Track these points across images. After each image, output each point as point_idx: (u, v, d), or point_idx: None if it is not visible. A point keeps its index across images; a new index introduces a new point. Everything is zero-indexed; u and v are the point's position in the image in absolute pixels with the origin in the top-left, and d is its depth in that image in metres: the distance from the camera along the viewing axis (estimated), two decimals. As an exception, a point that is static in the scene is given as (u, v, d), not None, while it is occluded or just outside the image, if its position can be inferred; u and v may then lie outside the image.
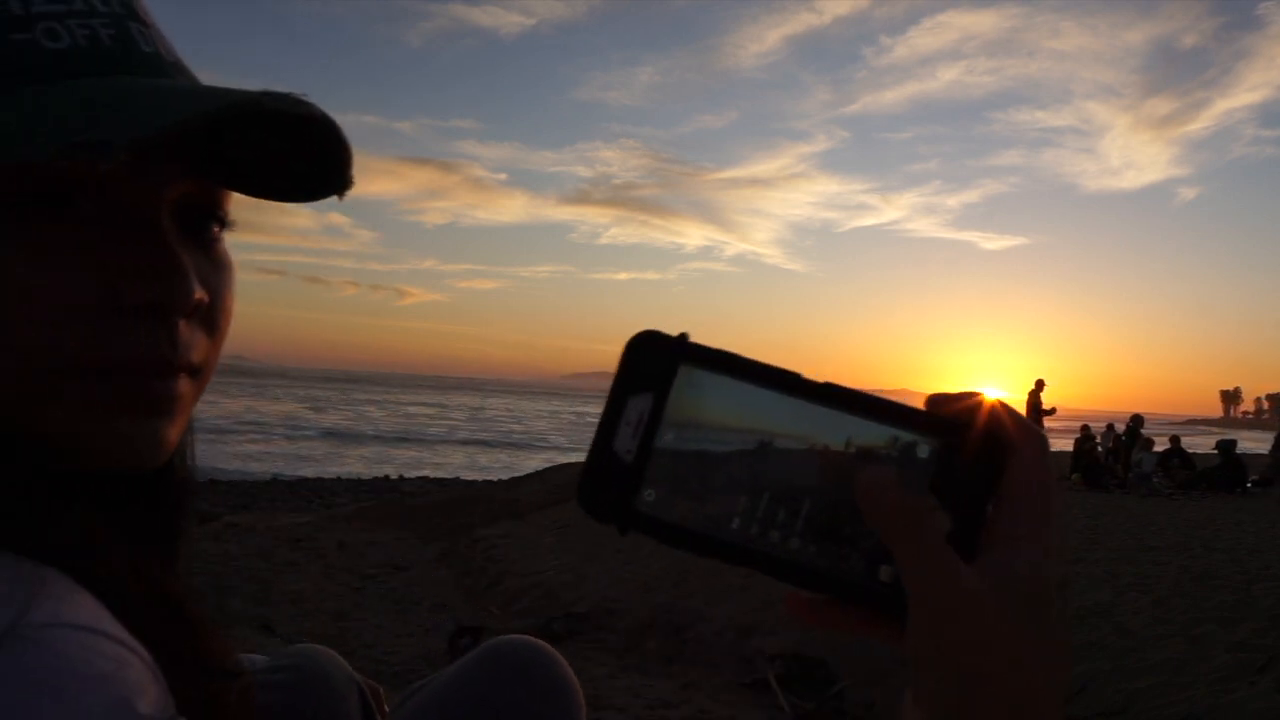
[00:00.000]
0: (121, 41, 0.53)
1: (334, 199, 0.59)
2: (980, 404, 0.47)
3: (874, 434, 0.47)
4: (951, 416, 0.47)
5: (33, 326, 0.48)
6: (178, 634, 0.50)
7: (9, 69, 0.50)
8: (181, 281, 0.51)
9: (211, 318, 0.56)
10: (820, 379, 0.48)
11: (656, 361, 0.47)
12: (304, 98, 0.52)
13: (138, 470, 0.53)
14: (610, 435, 0.47)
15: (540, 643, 0.96)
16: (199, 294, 0.52)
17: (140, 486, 0.58)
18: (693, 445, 0.47)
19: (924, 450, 0.47)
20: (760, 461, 0.47)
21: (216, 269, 0.57)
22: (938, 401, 0.48)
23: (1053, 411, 15.76)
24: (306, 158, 0.57)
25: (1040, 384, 15.86)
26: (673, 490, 0.47)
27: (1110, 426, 16.17)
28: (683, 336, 0.47)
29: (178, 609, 0.52)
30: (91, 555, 0.47)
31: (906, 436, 0.47)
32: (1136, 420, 15.08)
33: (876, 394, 0.48)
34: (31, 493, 0.47)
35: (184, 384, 0.54)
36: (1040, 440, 0.46)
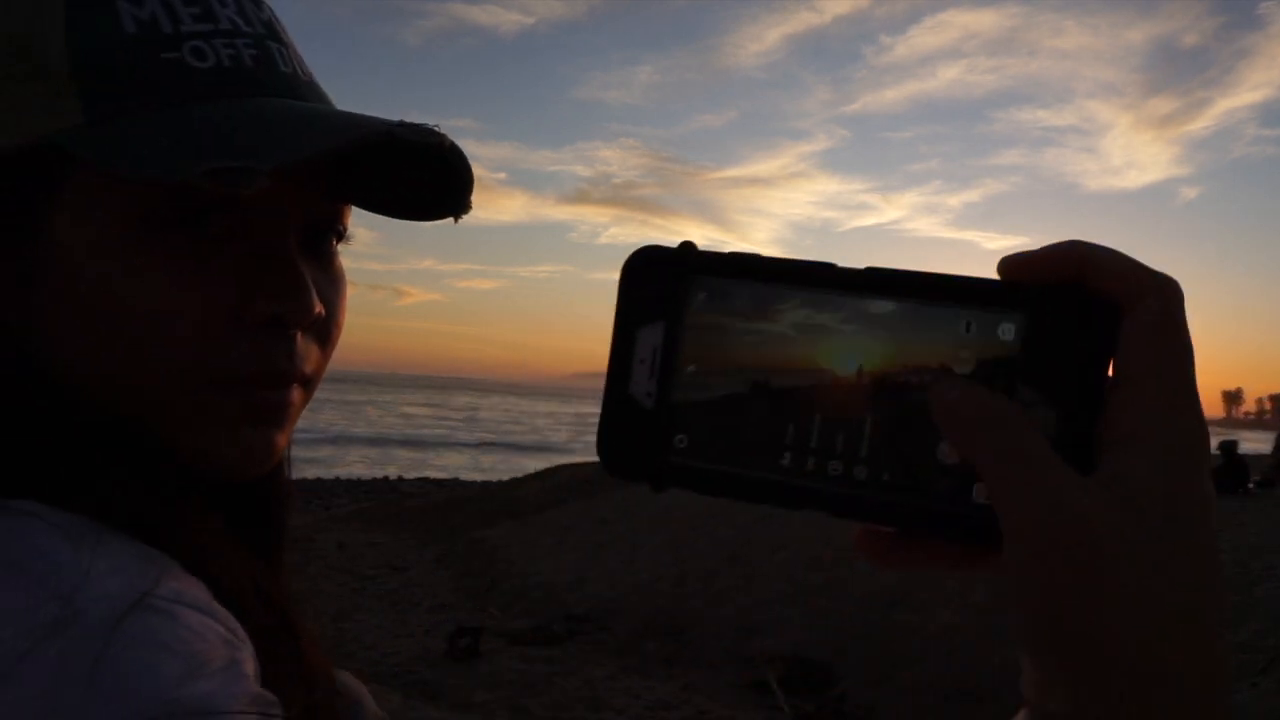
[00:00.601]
0: (263, 62, 0.55)
1: (449, 220, 0.62)
2: (1070, 255, 0.35)
3: (939, 323, 0.37)
4: (1037, 280, 0.36)
5: (165, 341, 0.51)
6: (283, 641, 0.51)
7: (157, 87, 0.51)
8: (304, 298, 0.53)
9: (326, 330, 0.58)
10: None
11: (663, 282, 0.40)
12: (436, 128, 0.54)
13: (251, 477, 0.56)
14: (625, 379, 0.40)
15: None
16: (318, 308, 0.55)
17: (246, 492, 0.60)
18: (723, 374, 0.39)
19: (1007, 331, 0.36)
20: (805, 378, 0.38)
21: (332, 282, 0.59)
22: (1015, 264, 0.36)
23: None
24: (431, 182, 0.59)
25: None
26: (708, 431, 0.39)
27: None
28: (687, 245, 0.40)
29: (284, 616, 0.53)
30: (207, 554, 0.49)
31: (981, 317, 0.37)
32: None
33: (931, 272, 0.38)
34: (158, 492, 0.50)
35: (296, 394, 0.56)
36: (1167, 287, 0.35)
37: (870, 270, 0.38)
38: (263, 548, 0.61)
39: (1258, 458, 15.56)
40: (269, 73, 0.55)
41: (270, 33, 0.57)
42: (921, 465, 0.37)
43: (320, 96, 0.60)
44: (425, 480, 22.91)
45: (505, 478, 20.03)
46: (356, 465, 28.34)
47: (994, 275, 0.37)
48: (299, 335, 0.55)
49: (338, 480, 21.80)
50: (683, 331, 0.40)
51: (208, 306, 0.52)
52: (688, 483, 0.40)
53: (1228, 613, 0.35)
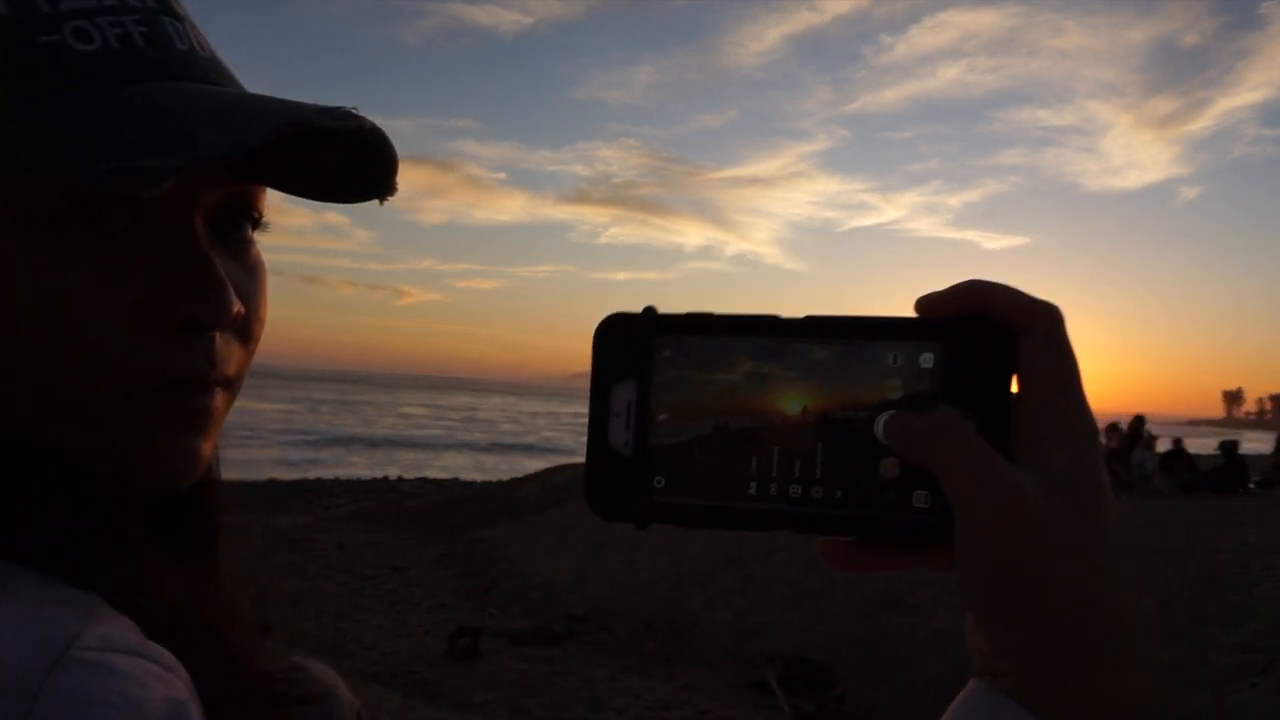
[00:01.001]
0: (156, 40, 0.50)
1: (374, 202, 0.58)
2: (971, 292, 0.42)
3: (871, 357, 0.44)
4: (946, 315, 0.43)
5: (69, 348, 0.47)
6: (216, 656, 0.49)
7: (37, 76, 0.47)
8: (220, 296, 0.50)
9: (247, 328, 0.54)
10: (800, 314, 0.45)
11: (630, 343, 0.45)
12: (354, 111, 0.50)
13: (177, 488, 0.52)
14: (604, 431, 0.45)
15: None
16: (236, 307, 0.51)
17: (173, 503, 0.56)
18: (690, 420, 0.45)
19: (928, 360, 0.43)
20: (762, 417, 0.44)
21: (250, 275, 0.55)
22: (929, 303, 0.43)
23: None
24: (351, 164, 0.55)
25: None
26: (681, 471, 0.45)
27: (1113, 426, 16.19)
28: (649, 310, 0.45)
29: (215, 630, 0.51)
30: (131, 579, 0.46)
31: (905, 350, 0.43)
32: (1139, 421, 15.13)
33: (882, 315, 0.44)
34: (72, 517, 0.46)
35: (219, 398, 0.53)
36: (1050, 313, 0.42)
37: (809, 319, 0.45)
38: (195, 554, 0.57)
39: (1258, 458, 15.56)
40: (164, 52, 0.50)
41: (162, 6, 0.52)
42: (868, 482, 0.43)
43: (225, 75, 0.55)
44: (425, 480, 22.91)
45: (505, 478, 20.04)
46: (356, 465, 28.34)
47: (953, 294, 0.43)
48: (218, 336, 0.51)
49: (338, 480, 21.80)
50: (652, 386, 0.45)
51: (116, 311, 0.47)
52: (668, 518, 0.45)
53: (1131, 580, 0.42)
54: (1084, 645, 0.39)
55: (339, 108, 0.50)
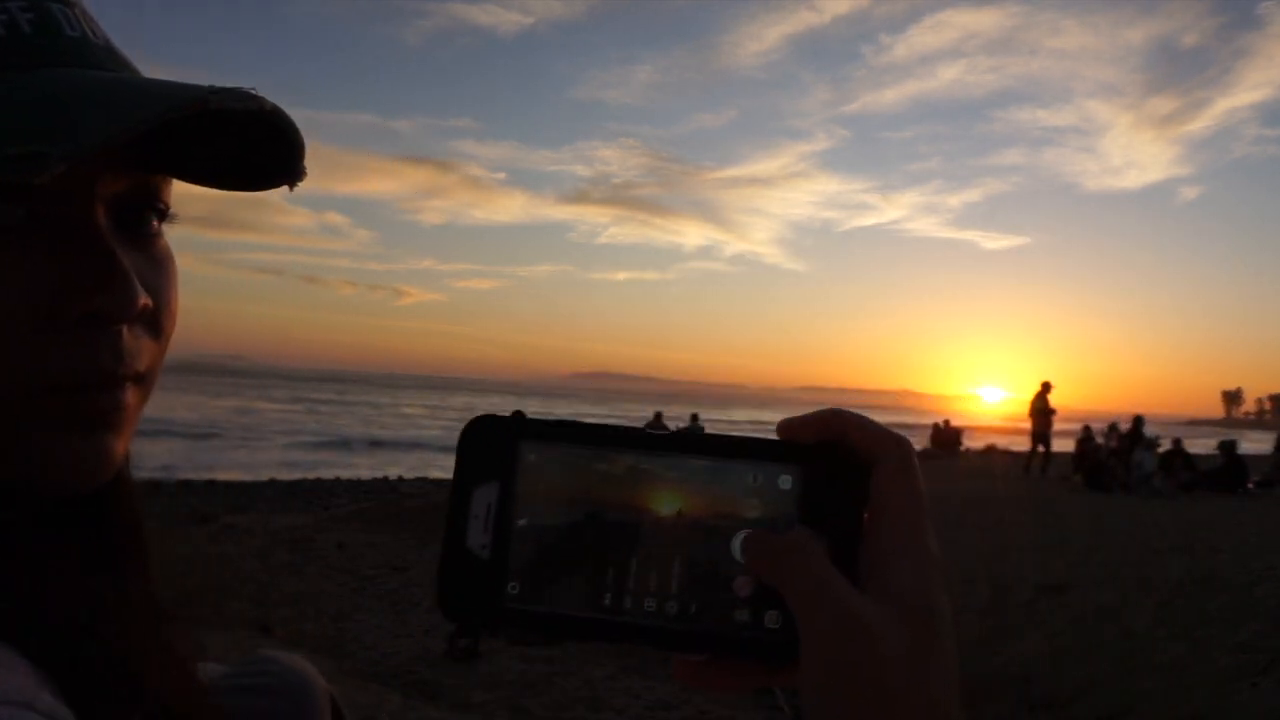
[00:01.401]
0: (43, 27, 0.48)
1: (285, 189, 0.56)
2: (831, 421, 0.45)
3: (731, 476, 0.45)
4: (806, 441, 0.45)
5: None
6: (115, 675, 0.47)
7: None
8: (123, 289, 0.48)
9: (156, 321, 0.53)
10: (679, 426, 0.47)
11: (496, 446, 0.45)
12: (252, 91, 0.48)
13: (87, 489, 0.50)
14: (461, 533, 0.45)
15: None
16: (143, 299, 0.49)
17: (85, 505, 0.54)
18: (550, 527, 0.45)
19: (786, 481, 0.45)
20: (622, 529, 0.44)
21: (158, 267, 0.53)
22: (789, 427, 0.45)
23: (1053, 413, 16.05)
24: (254, 149, 0.53)
25: (1047, 386, 16.12)
26: (537, 578, 0.44)
27: (1114, 426, 16.18)
28: (518, 414, 0.45)
29: (114, 646, 0.48)
30: (20, 600, 0.44)
31: (765, 471, 0.45)
32: (1138, 422, 15.14)
33: (732, 433, 0.46)
34: None
35: (130, 394, 0.51)
36: (902, 446, 0.44)
37: (675, 434, 0.45)
38: (108, 559, 0.55)
39: (1257, 458, 15.55)
40: (53, 39, 0.48)
41: None
42: (722, 599, 0.44)
43: (119, 62, 0.52)
44: (425, 480, 22.88)
45: (505, 478, 19.93)
46: (356, 465, 28.33)
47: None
48: (125, 330, 0.49)
49: (338, 480, 21.77)
50: (514, 489, 0.45)
51: (14, 311, 0.45)
52: (520, 625, 0.45)
53: (958, 691, 0.43)
54: None
55: (235, 88, 0.47)
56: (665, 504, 0.45)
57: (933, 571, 0.43)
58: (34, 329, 0.46)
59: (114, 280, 0.48)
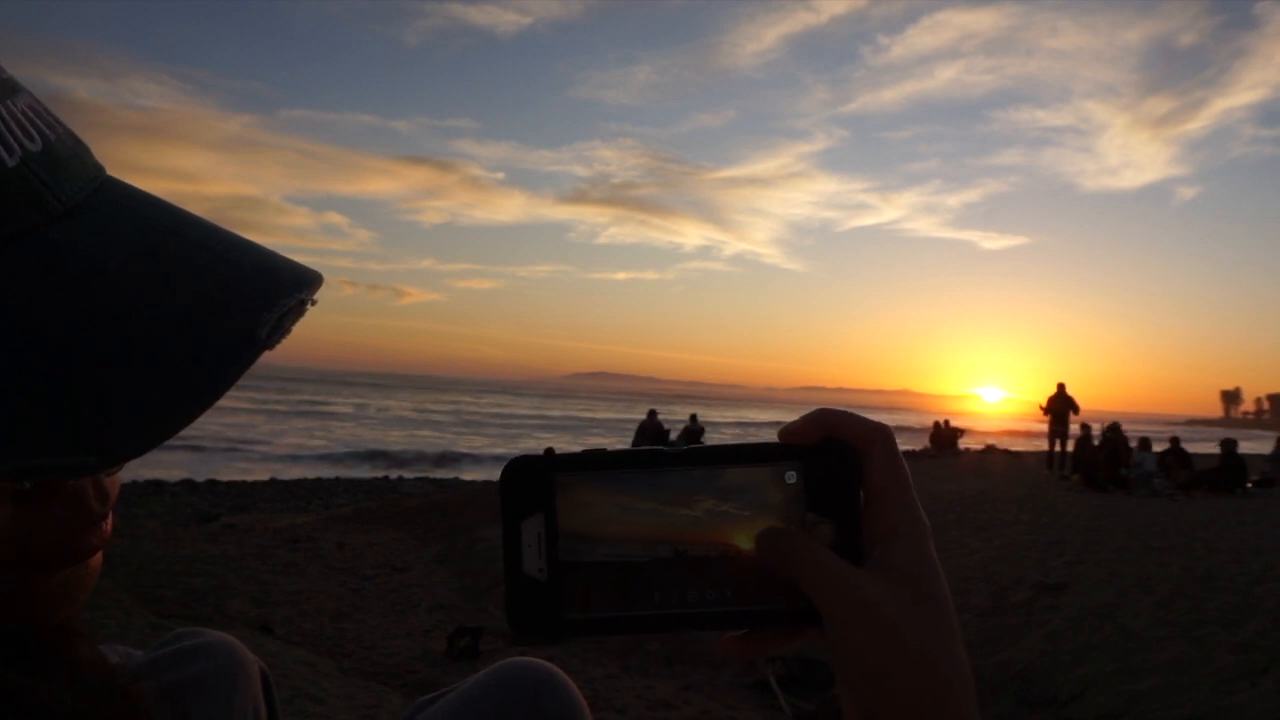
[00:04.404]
0: (13, 149, 0.39)
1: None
2: (823, 419, 0.52)
3: (745, 479, 0.51)
4: (804, 440, 0.52)
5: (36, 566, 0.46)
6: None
7: None
8: (107, 511, 0.50)
9: None
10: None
11: (534, 482, 0.51)
12: (312, 291, 0.44)
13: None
14: (518, 561, 0.51)
15: (553, 669, 0.95)
16: (113, 498, 0.51)
17: None
18: (595, 544, 0.51)
19: (791, 477, 0.51)
20: (656, 535, 0.51)
21: None
22: (789, 431, 0.52)
23: (1075, 410, 16.67)
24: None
25: (1062, 387, 17.24)
26: (592, 590, 0.51)
27: (1114, 426, 16.25)
28: (549, 452, 0.52)
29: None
30: None
31: (774, 470, 0.51)
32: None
33: (736, 441, 0.54)
34: None
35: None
36: (885, 435, 0.51)
37: (689, 450, 0.52)
38: None
39: (1257, 458, 15.55)
40: (33, 174, 0.39)
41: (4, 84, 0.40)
42: (750, 584, 0.51)
43: (71, 140, 0.43)
44: (425, 480, 22.90)
45: (505, 478, 19.92)
46: (357, 465, 28.31)
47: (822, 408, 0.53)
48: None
49: (338, 480, 21.78)
50: (556, 517, 0.51)
51: (9, 564, 0.45)
52: (584, 631, 0.51)
53: (963, 649, 0.49)
54: (922, 708, 0.47)
55: (302, 293, 0.42)
56: (690, 509, 0.51)
57: (922, 540, 0.50)
58: (23, 569, 0.46)
59: (107, 510, 0.49)
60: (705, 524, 0.51)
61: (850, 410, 0.52)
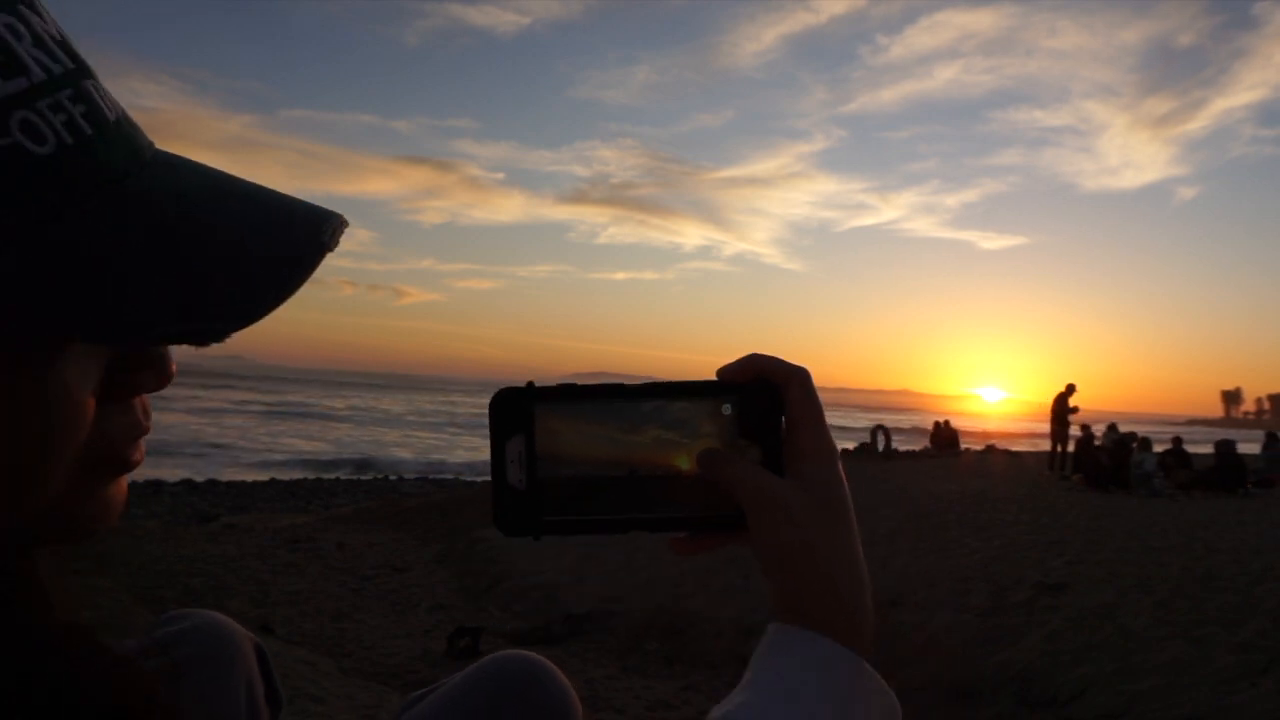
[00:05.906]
0: (96, 120, 0.44)
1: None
2: (754, 362, 0.63)
3: (691, 409, 0.63)
4: (736, 378, 0.63)
5: (83, 447, 0.47)
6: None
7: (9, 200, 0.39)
8: (169, 365, 0.52)
9: None
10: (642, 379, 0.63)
11: (517, 408, 0.61)
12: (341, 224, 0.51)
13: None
14: (503, 474, 0.61)
15: (542, 660, 0.97)
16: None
17: None
18: (566, 460, 0.61)
19: (727, 409, 0.63)
20: (617, 455, 0.62)
21: None
22: (727, 371, 0.63)
23: (1075, 410, 16.82)
24: None
25: (1070, 388, 17.40)
26: (562, 496, 0.62)
27: (1113, 426, 16.25)
28: (530, 384, 0.62)
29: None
30: None
31: (713, 402, 0.63)
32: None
33: (690, 379, 0.63)
34: None
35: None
36: (802, 376, 0.62)
37: (645, 385, 0.62)
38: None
39: (1254, 458, 15.54)
40: (108, 137, 0.44)
41: (78, 64, 0.44)
42: (695, 494, 0.63)
43: (133, 128, 0.48)
44: (425, 480, 22.89)
45: (505, 478, 19.89)
46: (356, 465, 28.29)
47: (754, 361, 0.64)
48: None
49: (338, 480, 21.79)
50: (535, 438, 0.61)
51: (126, 419, 0.51)
52: (557, 530, 0.62)
53: (859, 550, 0.61)
54: (833, 588, 0.59)
55: (339, 223, 0.50)
56: (646, 433, 0.62)
57: (831, 460, 0.61)
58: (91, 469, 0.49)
59: (164, 360, 0.52)
60: (656, 447, 0.62)
61: (775, 356, 0.63)
